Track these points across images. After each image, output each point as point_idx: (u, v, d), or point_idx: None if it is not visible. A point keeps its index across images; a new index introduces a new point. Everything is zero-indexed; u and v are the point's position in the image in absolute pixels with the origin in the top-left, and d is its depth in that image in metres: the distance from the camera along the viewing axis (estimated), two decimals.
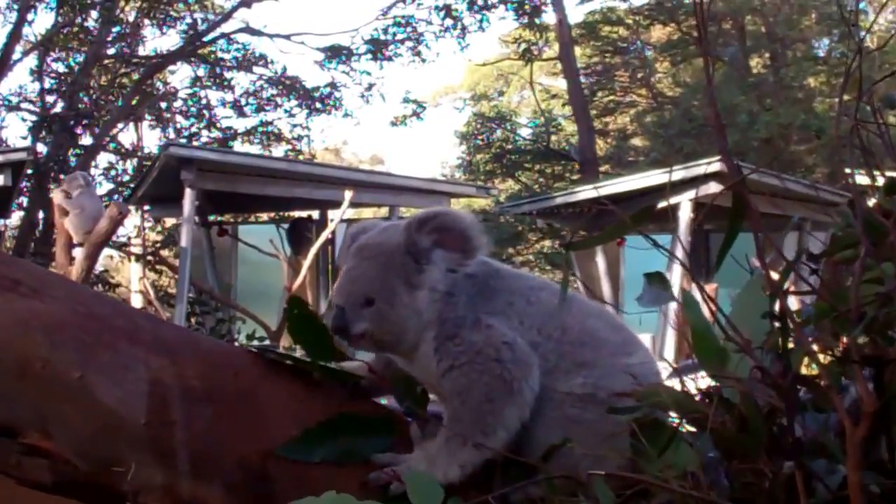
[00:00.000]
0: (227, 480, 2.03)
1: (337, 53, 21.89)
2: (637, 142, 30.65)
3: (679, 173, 12.20)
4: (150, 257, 17.24)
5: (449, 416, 2.05)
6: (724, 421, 1.69)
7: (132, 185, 17.42)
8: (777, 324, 1.68)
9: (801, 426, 1.73)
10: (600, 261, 15.40)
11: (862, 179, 1.84)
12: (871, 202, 1.81)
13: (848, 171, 1.76)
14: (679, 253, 12.15)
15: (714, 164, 11.27)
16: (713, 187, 11.17)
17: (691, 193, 11.58)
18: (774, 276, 1.79)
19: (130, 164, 20.65)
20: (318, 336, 2.17)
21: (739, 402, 1.67)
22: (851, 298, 1.60)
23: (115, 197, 17.71)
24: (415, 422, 2.17)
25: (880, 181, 1.82)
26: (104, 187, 18.90)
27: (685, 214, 12.49)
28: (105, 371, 2.06)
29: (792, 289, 1.80)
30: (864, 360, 1.60)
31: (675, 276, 12.40)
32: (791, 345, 1.67)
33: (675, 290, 1.94)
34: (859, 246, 1.73)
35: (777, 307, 1.69)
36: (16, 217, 18.31)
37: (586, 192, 14.16)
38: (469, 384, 2.01)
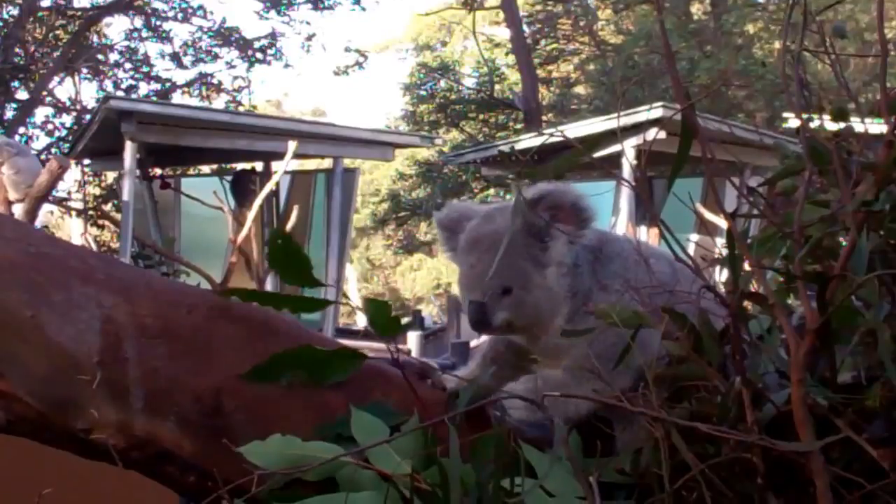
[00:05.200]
0: (181, 416, 2.04)
1: (276, 3, 21.65)
2: (580, 90, 30.65)
3: (622, 120, 12.25)
4: (91, 212, 17.02)
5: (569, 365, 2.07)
6: (678, 337, 1.73)
7: (70, 140, 17.18)
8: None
9: (755, 346, 1.77)
10: None
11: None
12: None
13: (793, 102, 1.79)
14: (624, 198, 12.31)
15: (656, 111, 11.32)
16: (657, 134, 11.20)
17: (634, 140, 11.63)
18: (714, 217, 1.82)
19: (69, 118, 20.35)
20: (298, 263, 2.13)
21: (694, 318, 1.72)
22: (795, 219, 1.64)
23: (54, 151, 17.44)
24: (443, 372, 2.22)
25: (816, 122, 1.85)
26: (42, 142, 18.66)
27: (628, 161, 12.56)
28: (57, 310, 2.06)
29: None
30: (808, 278, 1.64)
31: (622, 220, 12.52)
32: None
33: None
34: (801, 173, 1.77)
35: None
36: None
37: (530, 141, 14.14)
38: (602, 341, 2.01)
